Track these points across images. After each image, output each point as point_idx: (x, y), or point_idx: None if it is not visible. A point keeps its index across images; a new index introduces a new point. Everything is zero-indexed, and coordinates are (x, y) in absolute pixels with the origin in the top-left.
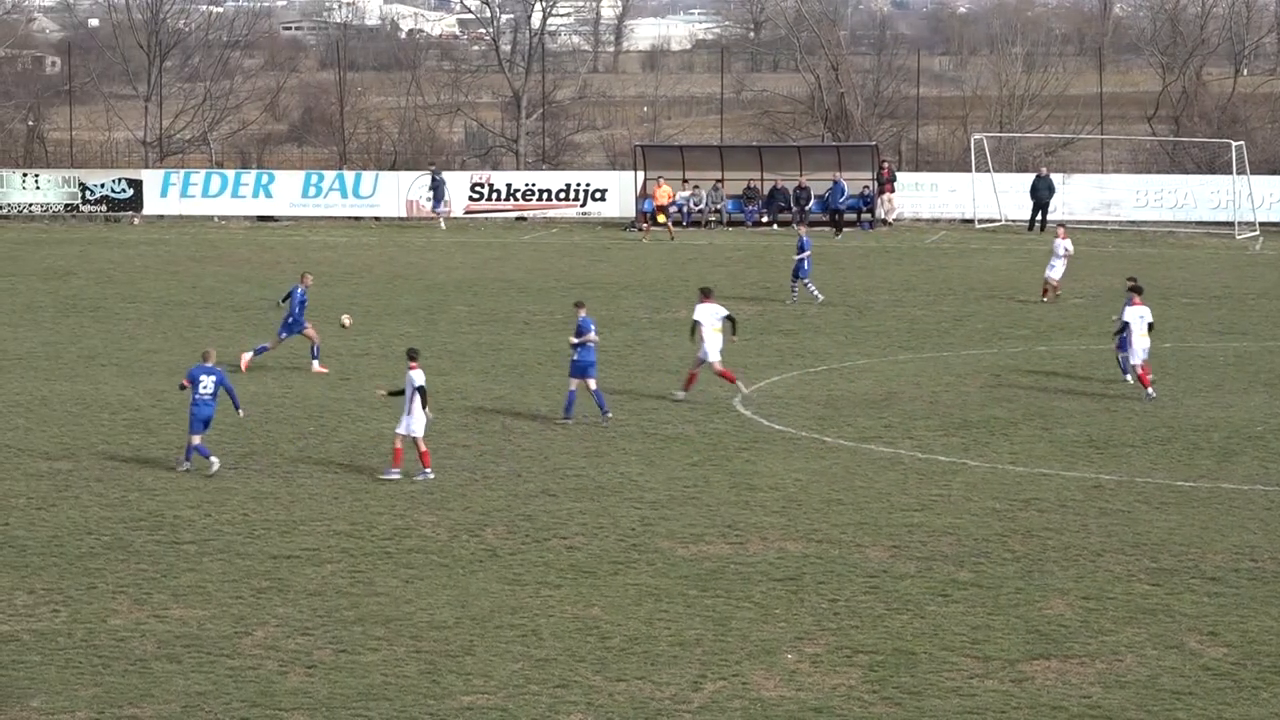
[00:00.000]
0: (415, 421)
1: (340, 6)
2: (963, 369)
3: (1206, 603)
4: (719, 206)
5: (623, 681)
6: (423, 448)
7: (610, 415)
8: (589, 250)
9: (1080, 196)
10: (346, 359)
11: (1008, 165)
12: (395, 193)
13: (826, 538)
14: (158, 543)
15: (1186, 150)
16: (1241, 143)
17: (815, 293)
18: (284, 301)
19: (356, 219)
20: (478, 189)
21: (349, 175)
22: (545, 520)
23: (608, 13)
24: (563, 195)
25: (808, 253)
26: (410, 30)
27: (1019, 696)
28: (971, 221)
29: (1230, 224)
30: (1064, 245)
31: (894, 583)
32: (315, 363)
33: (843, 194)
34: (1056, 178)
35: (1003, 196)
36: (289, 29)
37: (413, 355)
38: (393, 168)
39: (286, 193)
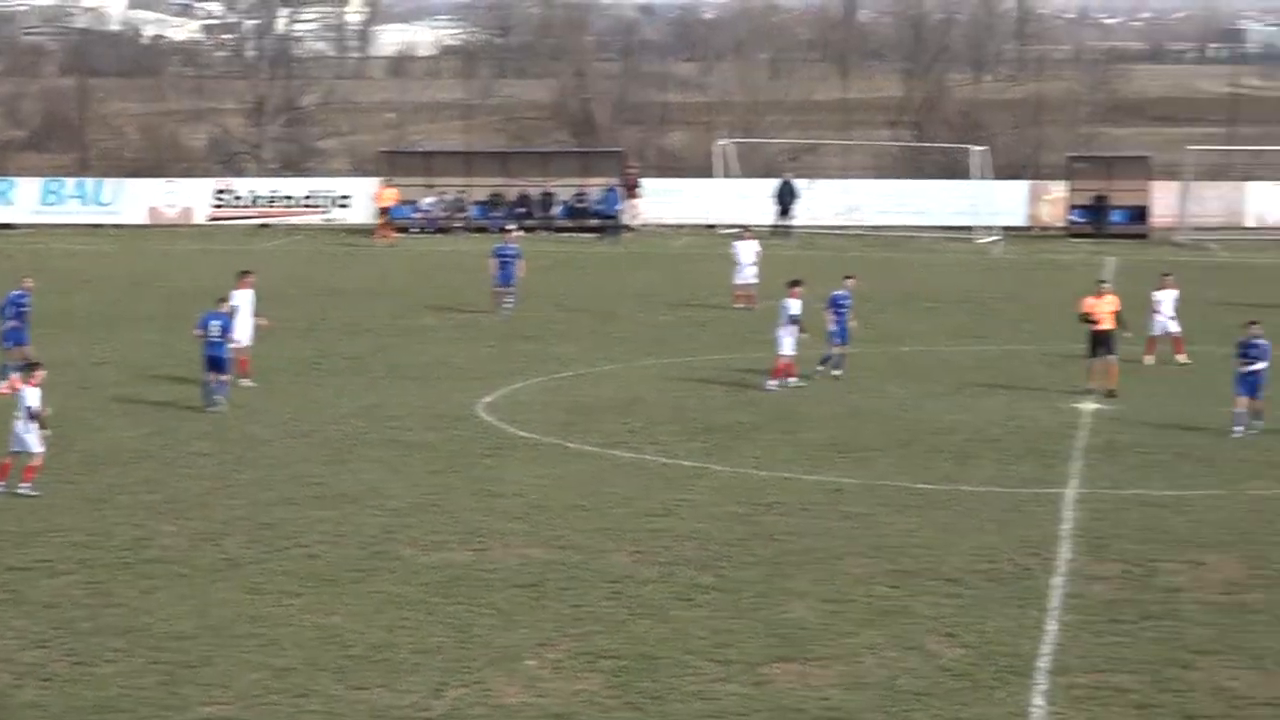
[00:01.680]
0: (30, 437)
1: (82, 12)
2: (707, 374)
3: (945, 604)
4: (464, 212)
5: (364, 690)
6: (36, 462)
7: (217, 408)
8: (332, 257)
9: (824, 201)
10: (84, 368)
11: (754, 170)
12: (136, 200)
13: (569, 543)
14: None
15: (929, 155)
16: (985, 148)
17: (509, 304)
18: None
19: (97, 226)
20: (220, 195)
21: (89, 182)
22: (287, 529)
23: (354, 18)
24: (307, 202)
25: (520, 260)
26: (154, 36)
27: (760, 699)
28: (715, 227)
29: (971, 228)
30: (753, 248)
31: (637, 588)
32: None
33: (617, 201)
34: (801, 183)
35: (747, 202)
36: (29, 34)
37: (30, 368)
38: (135, 175)
39: (26, 200)
